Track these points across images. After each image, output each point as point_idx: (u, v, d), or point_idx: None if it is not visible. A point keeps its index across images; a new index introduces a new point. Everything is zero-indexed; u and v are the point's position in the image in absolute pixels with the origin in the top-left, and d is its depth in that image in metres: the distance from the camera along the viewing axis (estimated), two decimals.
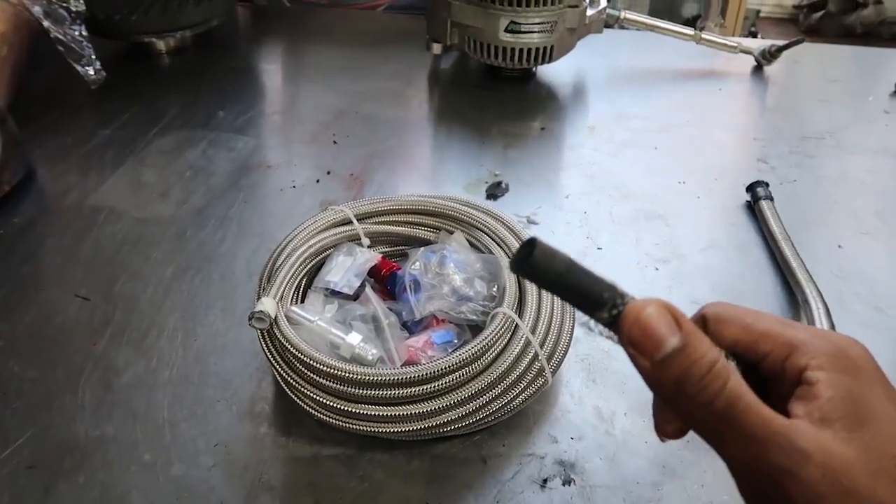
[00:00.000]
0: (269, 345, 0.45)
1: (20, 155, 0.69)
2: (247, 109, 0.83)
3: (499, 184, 0.68)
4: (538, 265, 0.24)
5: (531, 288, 0.46)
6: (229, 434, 0.45)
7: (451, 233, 0.52)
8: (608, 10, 0.87)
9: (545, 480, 0.42)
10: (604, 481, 0.42)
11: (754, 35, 2.66)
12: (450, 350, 0.45)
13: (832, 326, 0.49)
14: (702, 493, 0.41)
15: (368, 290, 0.48)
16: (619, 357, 0.49)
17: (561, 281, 0.24)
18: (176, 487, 0.42)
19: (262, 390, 0.48)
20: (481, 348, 0.42)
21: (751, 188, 0.65)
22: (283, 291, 0.46)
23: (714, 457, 0.26)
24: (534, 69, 0.90)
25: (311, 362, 0.41)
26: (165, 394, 0.47)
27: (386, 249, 0.54)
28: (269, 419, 0.46)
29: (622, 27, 0.91)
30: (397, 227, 0.53)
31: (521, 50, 0.81)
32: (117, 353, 0.50)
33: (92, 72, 0.76)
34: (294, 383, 0.43)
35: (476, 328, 0.46)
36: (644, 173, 0.71)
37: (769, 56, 0.90)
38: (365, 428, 0.42)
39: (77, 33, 0.74)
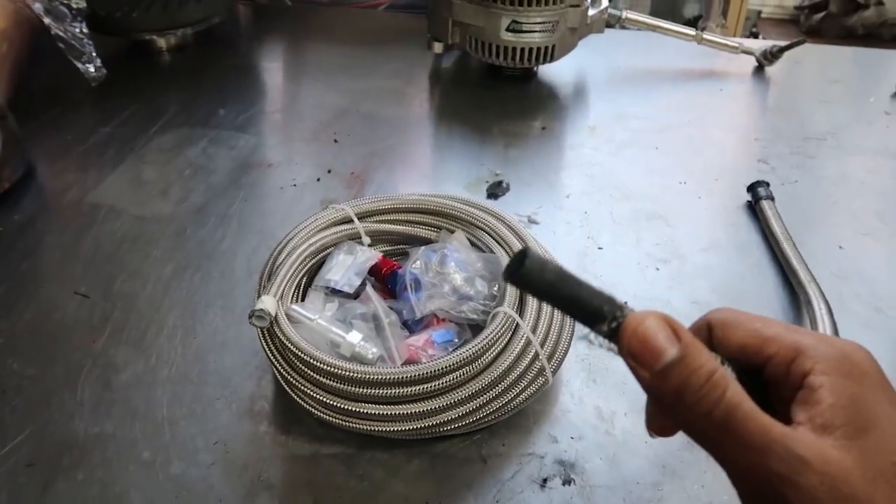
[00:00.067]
0: (269, 343, 0.45)
1: (20, 152, 0.68)
2: (247, 107, 0.83)
3: (499, 183, 0.68)
4: (529, 275, 0.24)
5: None
6: (229, 432, 0.45)
7: (452, 232, 0.52)
8: (610, 10, 0.87)
9: (545, 480, 0.42)
10: (604, 481, 0.42)
11: (755, 36, 2.67)
12: (450, 349, 0.45)
13: (834, 326, 0.49)
14: (702, 493, 0.41)
15: (369, 288, 0.48)
16: (619, 357, 0.48)
17: (553, 291, 0.25)
18: (175, 485, 0.42)
19: (261, 388, 0.48)
20: (482, 347, 0.42)
21: (752, 188, 0.65)
22: (284, 290, 0.46)
23: None
24: (535, 69, 0.90)
25: (312, 361, 0.41)
26: (165, 392, 0.47)
27: (386, 248, 0.53)
28: (268, 417, 0.46)
29: (623, 27, 0.91)
30: (398, 226, 0.53)
31: (522, 49, 0.81)
32: (117, 351, 0.50)
33: (92, 69, 0.76)
34: (294, 382, 0.43)
35: (477, 327, 0.46)
36: (645, 173, 0.71)
37: (771, 56, 0.90)
38: (365, 427, 0.42)
39: (78, 30, 0.74)
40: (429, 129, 0.83)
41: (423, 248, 0.50)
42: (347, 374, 0.41)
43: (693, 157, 0.74)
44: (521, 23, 0.79)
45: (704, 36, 0.89)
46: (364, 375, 0.41)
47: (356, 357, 0.43)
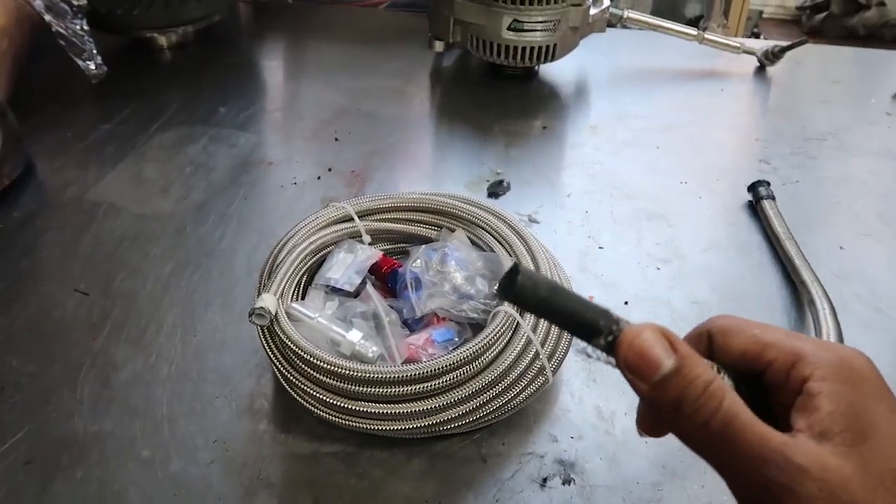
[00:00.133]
0: (269, 341, 0.45)
1: (20, 149, 0.68)
2: (248, 106, 0.83)
3: (500, 182, 0.68)
4: (522, 291, 0.25)
5: None
6: (228, 431, 0.45)
7: (453, 230, 0.52)
8: (611, 10, 0.87)
9: (545, 479, 0.42)
10: (604, 481, 0.42)
11: (757, 36, 2.66)
12: (450, 348, 0.45)
13: (838, 325, 0.48)
14: (702, 493, 0.41)
15: (369, 287, 0.48)
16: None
17: (547, 306, 0.25)
18: (174, 484, 0.42)
19: (261, 387, 0.48)
20: (482, 346, 0.42)
21: (752, 188, 0.65)
22: (284, 288, 0.46)
23: None
24: (536, 68, 0.90)
25: (312, 359, 0.41)
26: (164, 390, 0.47)
27: (387, 247, 0.53)
28: (268, 416, 0.46)
29: (625, 26, 0.91)
30: (398, 225, 0.53)
31: (523, 48, 0.81)
32: (116, 349, 0.50)
33: (93, 66, 0.76)
34: (294, 380, 0.43)
35: (477, 326, 0.46)
36: (646, 173, 0.71)
37: (772, 56, 0.90)
38: (365, 425, 0.42)
39: (78, 27, 0.74)
40: (430, 127, 0.83)
41: (423, 246, 0.50)
42: (347, 372, 0.41)
43: (694, 157, 0.74)
44: (523, 22, 0.79)
45: (706, 36, 0.89)
46: (364, 374, 0.40)
47: (356, 356, 0.43)
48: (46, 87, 0.84)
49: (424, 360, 0.43)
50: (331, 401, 0.42)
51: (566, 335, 0.46)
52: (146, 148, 0.74)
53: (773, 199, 0.63)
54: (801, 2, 3.35)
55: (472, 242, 0.51)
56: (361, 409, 0.41)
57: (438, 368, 0.41)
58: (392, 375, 0.40)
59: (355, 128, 0.78)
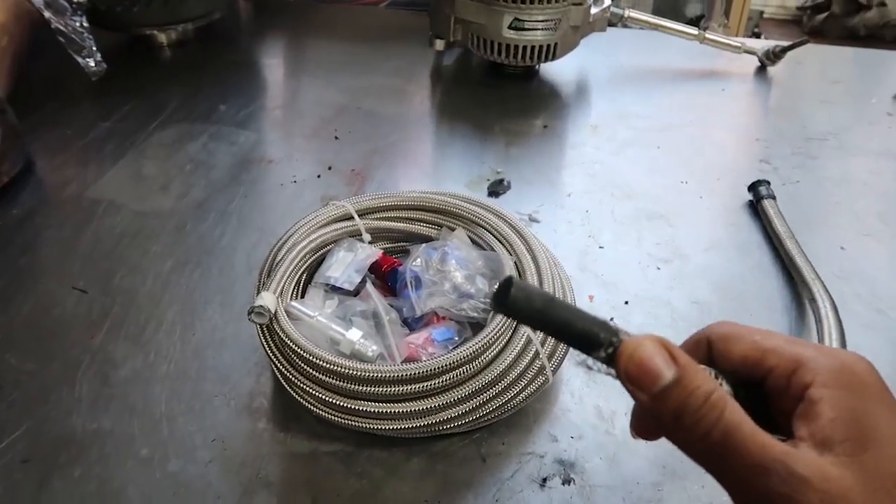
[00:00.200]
0: (269, 340, 0.45)
1: (19, 146, 0.68)
2: (248, 103, 0.83)
3: (501, 181, 0.68)
4: (516, 303, 0.25)
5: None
6: (227, 429, 0.44)
7: (453, 229, 0.52)
8: (612, 9, 0.87)
9: (545, 479, 0.42)
10: (604, 481, 0.42)
11: (757, 36, 2.66)
12: (450, 347, 0.44)
13: (840, 324, 0.48)
14: (702, 493, 0.41)
15: (369, 286, 0.48)
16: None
17: (542, 317, 0.25)
18: (173, 483, 0.41)
19: (260, 385, 0.47)
20: (482, 346, 0.41)
21: (753, 187, 0.65)
22: (283, 286, 0.46)
23: None
24: (537, 67, 0.90)
25: (311, 358, 0.41)
26: (163, 388, 0.47)
27: (387, 245, 0.53)
28: (267, 415, 0.46)
29: (626, 26, 0.90)
30: (399, 224, 0.53)
31: (524, 47, 0.80)
32: (115, 347, 0.50)
33: (92, 63, 0.76)
34: (293, 379, 0.43)
35: (477, 325, 0.46)
36: (646, 173, 0.71)
37: (773, 56, 0.89)
38: (364, 425, 0.42)
39: (78, 24, 0.74)
40: (430, 126, 0.82)
41: (423, 245, 0.50)
42: (347, 371, 0.40)
43: (695, 157, 0.74)
44: (524, 20, 0.79)
45: (707, 35, 0.89)
46: (363, 373, 0.40)
47: (356, 354, 0.43)
48: (46, 83, 0.84)
49: (424, 359, 0.43)
50: (330, 400, 0.42)
51: None
52: (146, 145, 0.74)
53: (774, 198, 0.63)
54: (802, 2, 3.35)
55: (473, 241, 0.51)
56: (361, 408, 0.41)
57: (438, 367, 0.40)
58: (392, 374, 0.40)
59: (355, 126, 0.78)
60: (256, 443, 0.44)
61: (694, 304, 0.54)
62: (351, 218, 0.51)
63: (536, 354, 0.43)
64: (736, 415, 0.25)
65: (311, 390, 0.42)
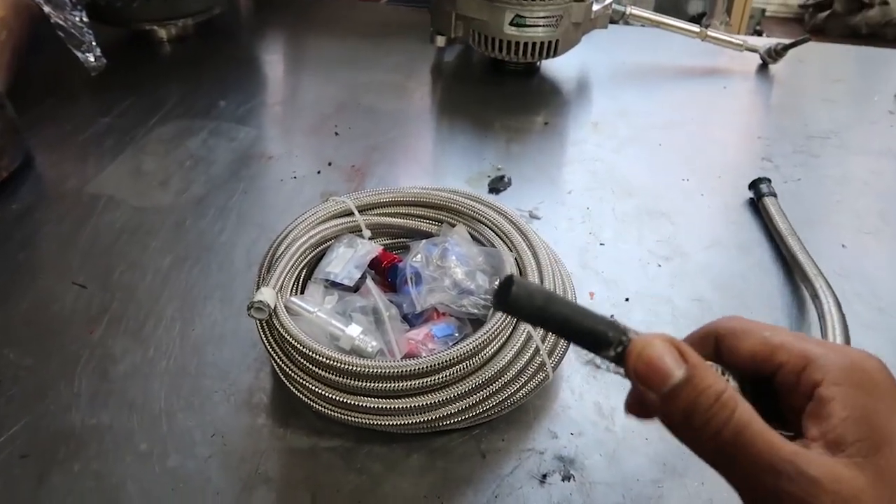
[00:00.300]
0: (268, 335, 0.45)
1: (18, 141, 0.68)
2: (248, 99, 0.82)
3: (501, 178, 0.68)
4: (518, 302, 0.25)
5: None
6: (226, 425, 0.44)
7: (453, 226, 0.51)
8: (614, 6, 0.87)
9: (544, 476, 0.42)
10: (603, 478, 0.42)
11: (759, 34, 2.66)
12: (450, 343, 0.44)
13: (843, 319, 0.48)
14: (702, 490, 0.41)
15: (369, 281, 0.48)
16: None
17: (544, 315, 0.25)
18: (172, 478, 0.41)
19: (260, 381, 0.47)
20: (482, 342, 0.41)
21: (754, 185, 0.65)
22: (283, 282, 0.46)
23: None
24: (538, 63, 0.90)
25: (311, 353, 0.41)
26: (162, 383, 0.47)
27: (387, 241, 0.53)
28: (266, 410, 0.45)
29: (627, 23, 0.90)
30: (399, 220, 0.53)
31: (525, 44, 0.80)
32: (114, 342, 0.50)
33: (92, 58, 0.75)
34: (293, 374, 0.43)
35: (477, 322, 0.46)
36: (647, 170, 0.71)
37: (775, 54, 0.89)
38: (363, 420, 0.42)
39: (77, 19, 0.73)
40: (430, 123, 0.82)
41: (423, 241, 0.49)
42: (346, 367, 0.40)
43: (696, 155, 0.73)
44: (525, 17, 0.78)
45: (708, 33, 0.89)
46: (363, 369, 0.40)
47: (355, 350, 0.43)
48: (45, 78, 0.84)
49: (424, 355, 0.43)
50: (330, 395, 0.41)
51: None
52: (145, 141, 0.74)
53: (775, 196, 0.63)
54: (804, 0, 3.35)
55: (473, 237, 0.51)
56: (360, 403, 0.41)
57: (438, 364, 0.40)
58: (391, 370, 0.40)
59: (356, 122, 0.78)
60: (256, 438, 0.44)
61: (695, 302, 0.54)
62: (351, 214, 0.51)
63: (537, 351, 0.43)
64: (746, 414, 0.24)
65: (310, 386, 0.42)
